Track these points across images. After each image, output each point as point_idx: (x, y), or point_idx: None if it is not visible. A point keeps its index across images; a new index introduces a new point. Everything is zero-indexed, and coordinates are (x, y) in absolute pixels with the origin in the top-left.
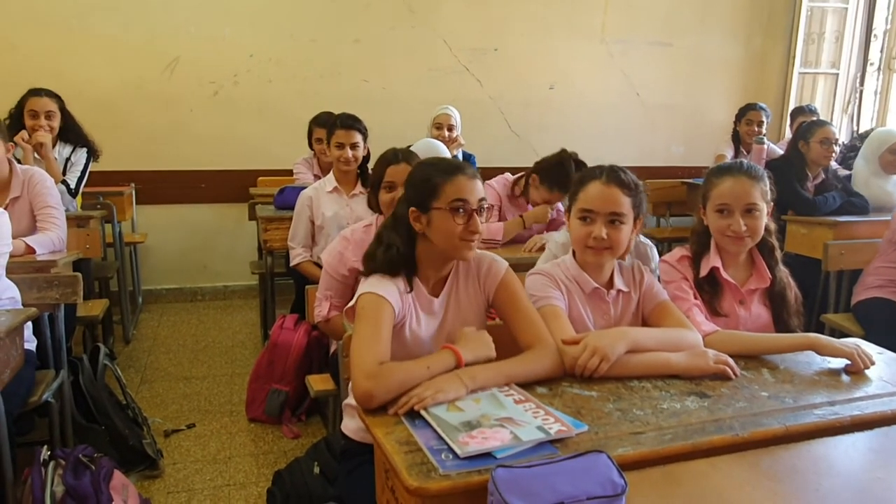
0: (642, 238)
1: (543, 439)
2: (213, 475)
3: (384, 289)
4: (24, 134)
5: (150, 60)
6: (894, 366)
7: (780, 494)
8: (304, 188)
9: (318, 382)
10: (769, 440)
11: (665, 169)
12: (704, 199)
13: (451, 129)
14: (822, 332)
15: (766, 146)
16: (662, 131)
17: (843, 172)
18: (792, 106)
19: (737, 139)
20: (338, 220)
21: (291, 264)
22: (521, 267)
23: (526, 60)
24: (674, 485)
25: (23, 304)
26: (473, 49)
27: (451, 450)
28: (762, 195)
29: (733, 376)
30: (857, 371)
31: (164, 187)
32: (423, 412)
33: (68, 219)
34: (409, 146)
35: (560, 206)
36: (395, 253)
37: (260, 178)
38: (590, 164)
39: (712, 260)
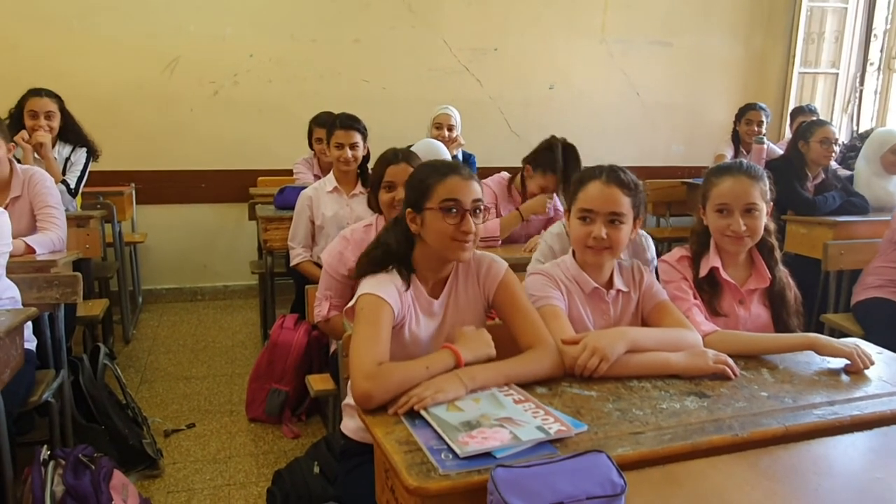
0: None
1: (543, 439)
2: (213, 475)
3: (384, 290)
4: (24, 134)
5: (150, 60)
6: (894, 365)
7: (780, 494)
8: (304, 188)
9: (318, 382)
10: (769, 440)
11: (665, 169)
12: (704, 199)
13: (450, 128)
14: (822, 332)
15: (765, 146)
16: (662, 131)
17: (842, 172)
18: (792, 106)
19: (737, 139)
20: (338, 220)
21: (291, 264)
22: (521, 267)
23: (526, 60)
24: (673, 485)
25: (23, 304)
26: (473, 49)
27: (450, 449)
28: (762, 195)
29: (733, 376)
30: (856, 371)
31: (164, 187)
32: (422, 412)
33: (68, 219)
34: (409, 146)
35: (559, 204)
36: (381, 252)
37: (260, 178)
38: (590, 164)
39: (712, 260)
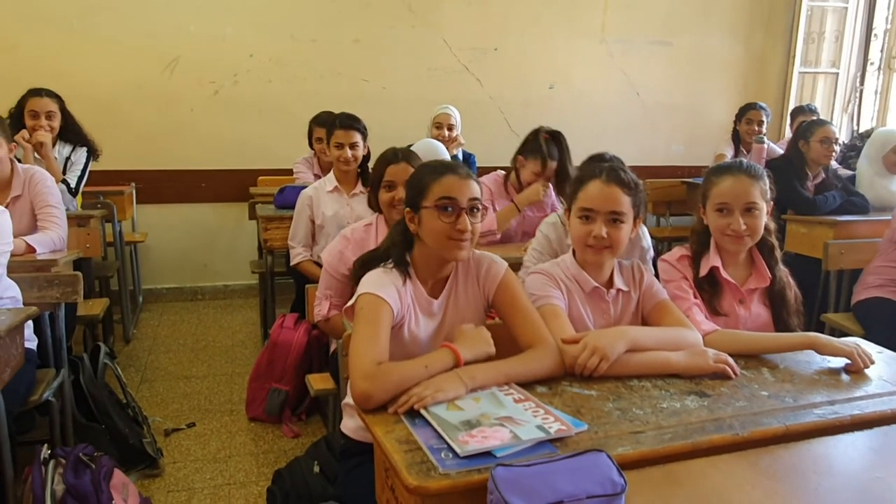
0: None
1: (543, 438)
2: (214, 474)
3: (383, 289)
4: (24, 133)
5: (150, 60)
6: (894, 365)
7: (780, 494)
8: (305, 187)
9: (318, 381)
10: (769, 439)
11: (665, 168)
12: (704, 199)
13: (450, 128)
14: (823, 332)
15: (766, 145)
16: (662, 131)
17: (843, 172)
18: (792, 105)
19: (737, 138)
20: (338, 220)
21: (292, 263)
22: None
23: (526, 60)
24: (674, 484)
25: (23, 303)
26: (473, 48)
27: (450, 449)
28: (762, 194)
29: (733, 375)
30: (856, 370)
31: (164, 187)
32: (422, 411)
33: (69, 218)
34: (409, 146)
35: (556, 201)
36: (381, 250)
37: (260, 178)
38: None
39: (712, 259)
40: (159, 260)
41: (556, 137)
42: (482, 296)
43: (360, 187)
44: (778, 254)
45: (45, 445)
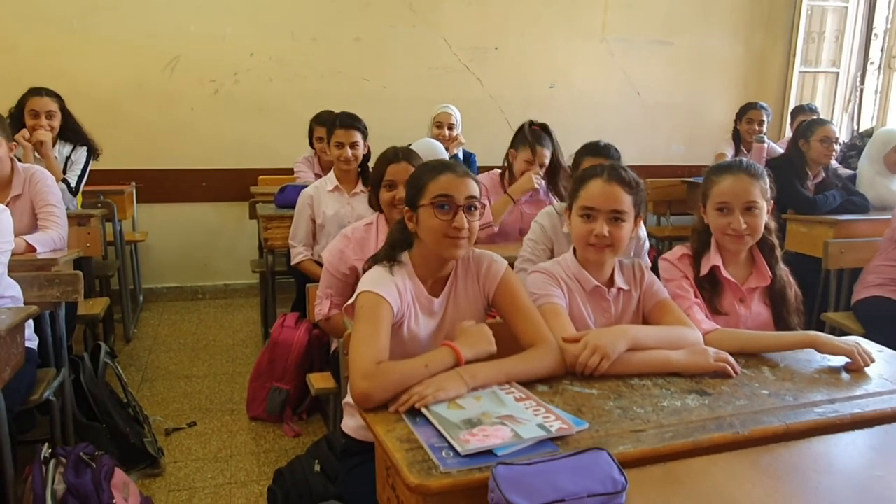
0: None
1: (544, 437)
2: (214, 473)
3: (383, 288)
4: (24, 132)
5: (150, 59)
6: (894, 364)
7: (781, 492)
8: (305, 187)
9: (319, 381)
10: (769, 438)
11: (665, 168)
12: (704, 198)
13: (451, 127)
14: (823, 331)
15: (766, 145)
16: (663, 130)
17: (843, 171)
18: (792, 105)
19: (737, 138)
20: (339, 219)
21: (292, 263)
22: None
23: (526, 59)
24: (674, 482)
25: (24, 302)
26: (474, 48)
27: (451, 447)
28: (762, 193)
29: (734, 374)
30: (856, 369)
31: (164, 186)
32: (423, 410)
33: (69, 217)
34: (409, 145)
35: (546, 192)
36: (383, 250)
37: (261, 177)
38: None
39: (713, 258)
40: (160, 259)
41: (543, 128)
42: (482, 295)
43: (360, 186)
44: (778, 253)
45: (46, 445)
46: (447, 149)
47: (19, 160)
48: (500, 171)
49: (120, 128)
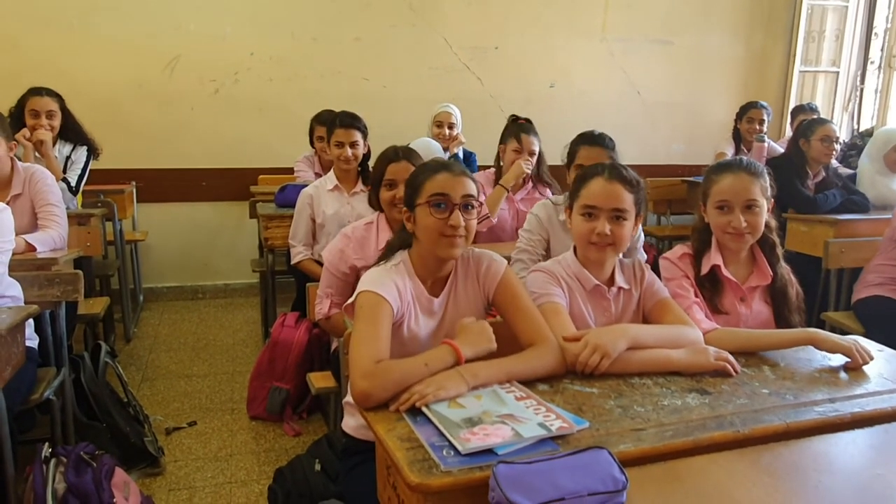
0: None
1: (545, 436)
2: (215, 473)
3: (383, 287)
4: (25, 132)
5: (150, 59)
6: (894, 363)
7: (781, 491)
8: (305, 186)
9: (319, 380)
10: (770, 437)
11: (665, 167)
12: (705, 197)
13: (451, 127)
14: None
15: (766, 144)
16: (663, 129)
17: (843, 171)
18: (792, 104)
19: (737, 137)
20: (339, 218)
21: (292, 262)
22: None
23: (526, 59)
24: (675, 481)
25: (24, 302)
26: (474, 47)
27: (452, 446)
28: (762, 191)
29: (734, 373)
30: (856, 367)
31: (164, 185)
32: (424, 409)
33: (69, 217)
34: (408, 145)
35: (548, 192)
36: (386, 248)
37: (261, 176)
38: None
39: (713, 257)
40: (160, 259)
41: (527, 122)
42: (482, 294)
43: (360, 186)
44: (779, 251)
45: (47, 444)
46: (448, 148)
47: (19, 159)
48: (494, 169)
49: (120, 127)
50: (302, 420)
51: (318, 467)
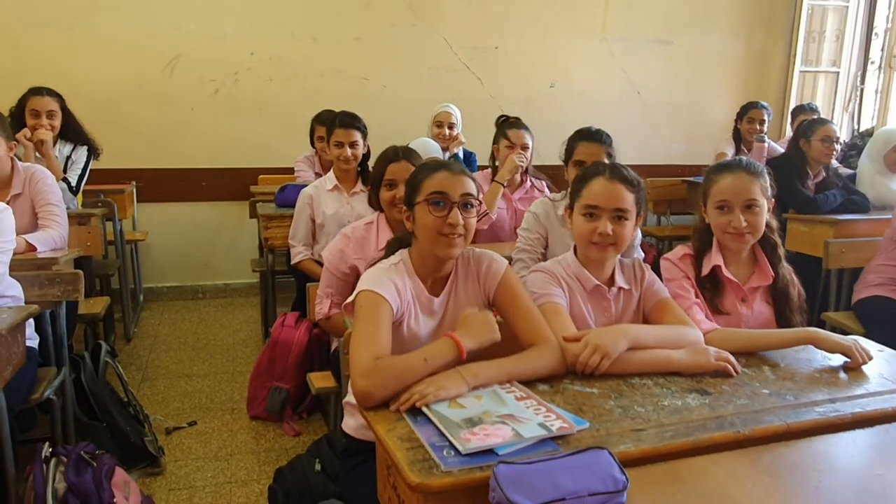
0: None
1: (545, 436)
2: (215, 472)
3: (382, 286)
4: (26, 131)
5: (150, 59)
6: (895, 363)
7: (781, 491)
8: (305, 186)
9: (319, 380)
10: (770, 437)
11: (666, 167)
12: (705, 197)
13: (451, 127)
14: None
15: (766, 144)
16: (663, 129)
17: (843, 171)
18: (793, 104)
19: (737, 137)
20: (338, 218)
21: (292, 262)
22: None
23: (526, 59)
24: (675, 481)
25: (25, 302)
26: (474, 47)
27: (452, 446)
28: (762, 191)
29: (734, 373)
30: (855, 367)
31: (164, 185)
32: (424, 409)
33: (69, 216)
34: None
35: (534, 179)
36: (386, 248)
37: (261, 176)
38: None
39: (714, 258)
40: (160, 258)
41: (516, 119)
42: (483, 294)
43: (360, 186)
44: (781, 251)
45: (47, 443)
46: (448, 148)
47: (20, 159)
48: (490, 169)
49: (120, 127)
50: (302, 420)
51: (318, 467)
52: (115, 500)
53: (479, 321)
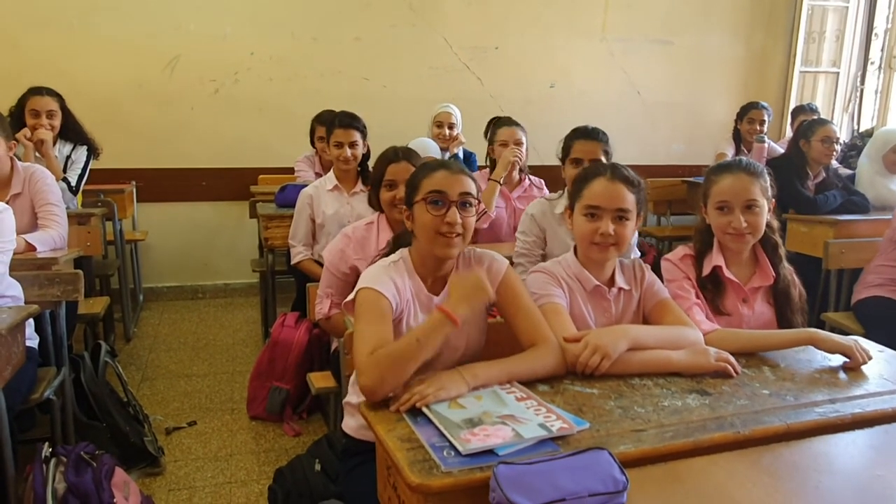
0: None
1: (545, 436)
2: (215, 472)
3: (381, 284)
4: (26, 131)
5: (150, 59)
6: (895, 364)
7: (781, 491)
8: (305, 186)
9: (319, 380)
10: (770, 437)
11: (666, 167)
12: (705, 198)
13: (451, 127)
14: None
15: (766, 145)
16: (663, 130)
17: (843, 171)
18: (793, 105)
19: (737, 137)
20: (338, 218)
21: (292, 262)
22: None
23: (526, 59)
24: (675, 482)
25: (24, 301)
26: (474, 47)
27: (452, 447)
28: (762, 191)
29: (734, 374)
30: (855, 366)
31: (164, 185)
32: (424, 409)
33: (69, 216)
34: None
35: (543, 185)
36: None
37: (261, 176)
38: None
39: (714, 258)
40: (160, 258)
41: (506, 118)
42: None
43: (360, 186)
44: (782, 251)
45: (47, 444)
46: (448, 148)
47: (19, 159)
48: (488, 168)
49: (120, 127)
50: (302, 420)
51: (318, 467)
52: (114, 500)
53: (469, 283)
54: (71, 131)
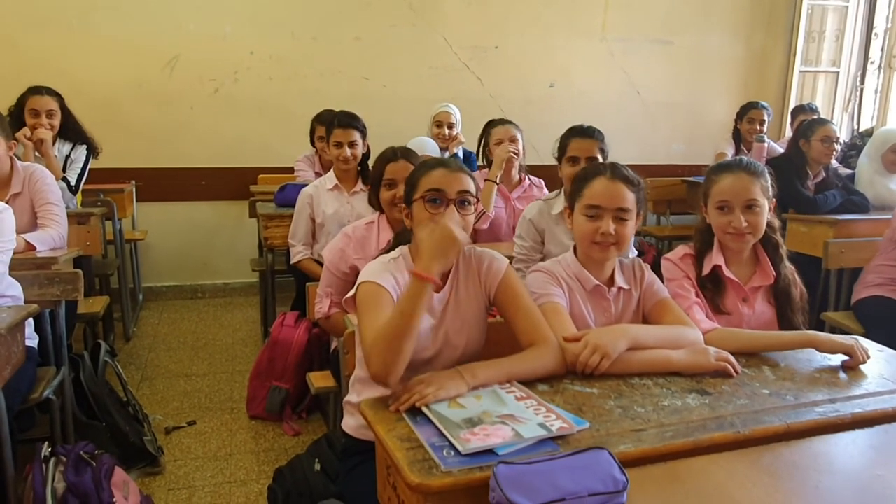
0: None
1: (545, 436)
2: (214, 472)
3: (381, 278)
4: (25, 131)
5: (150, 58)
6: (894, 363)
7: (781, 491)
8: (305, 185)
9: (319, 380)
10: (770, 437)
11: (665, 167)
12: (705, 197)
13: (451, 126)
14: (823, 331)
15: (766, 144)
16: (663, 129)
17: (843, 171)
18: (792, 104)
19: (737, 137)
20: (338, 218)
21: (292, 262)
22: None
23: (526, 58)
24: (675, 481)
25: (24, 301)
26: (474, 47)
27: (452, 446)
28: (762, 191)
29: (734, 374)
30: (855, 365)
31: (164, 185)
32: (424, 409)
33: (69, 216)
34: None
35: (542, 184)
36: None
37: (261, 176)
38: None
39: (714, 258)
40: (159, 258)
41: (499, 119)
42: (483, 293)
43: (360, 185)
44: (783, 251)
45: (46, 443)
46: (447, 148)
47: (19, 158)
48: (486, 169)
49: (120, 127)
50: (301, 420)
51: (317, 467)
52: (114, 499)
53: (437, 237)
54: (70, 131)
